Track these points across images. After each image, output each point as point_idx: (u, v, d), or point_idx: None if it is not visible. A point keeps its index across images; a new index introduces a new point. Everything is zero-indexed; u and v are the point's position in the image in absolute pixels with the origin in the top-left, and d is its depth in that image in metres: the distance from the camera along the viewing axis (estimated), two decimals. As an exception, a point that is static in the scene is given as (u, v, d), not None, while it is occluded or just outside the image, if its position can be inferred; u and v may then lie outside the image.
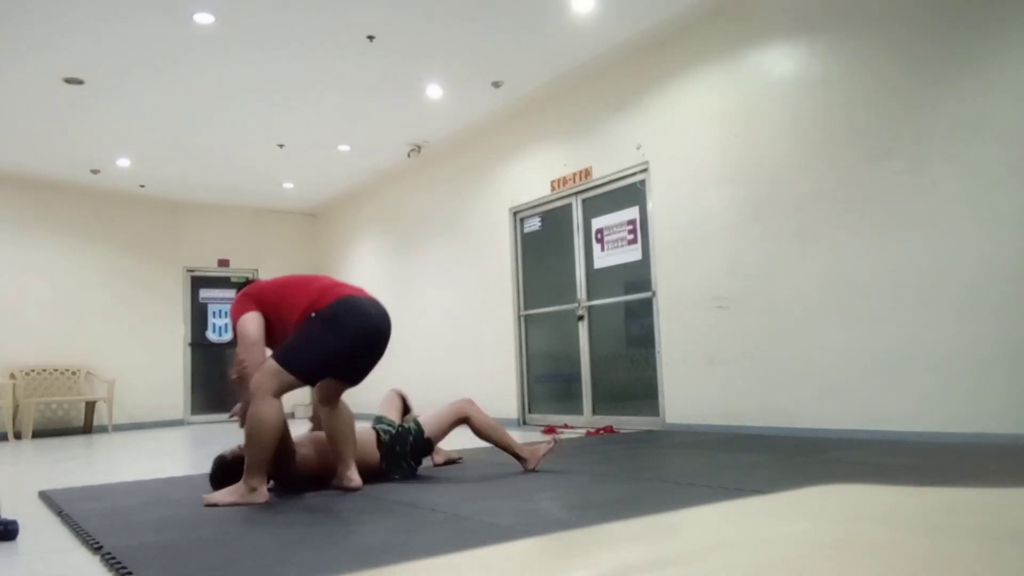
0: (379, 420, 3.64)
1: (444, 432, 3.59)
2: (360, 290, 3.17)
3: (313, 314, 2.97)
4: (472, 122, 7.30)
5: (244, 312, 3.01)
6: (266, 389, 2.85)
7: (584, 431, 5.75)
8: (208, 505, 2.81)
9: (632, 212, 5.92)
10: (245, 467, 2.86)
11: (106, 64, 5.71)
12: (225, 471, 3.04)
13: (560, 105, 6.58)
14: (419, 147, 8.04)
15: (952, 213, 3.93)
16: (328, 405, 3.07)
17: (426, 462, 3.72)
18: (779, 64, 4.86)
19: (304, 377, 2.96)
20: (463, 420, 3.54)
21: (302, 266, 10.72)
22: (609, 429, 5.75)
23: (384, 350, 3.13)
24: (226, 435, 7.21)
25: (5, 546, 2.33)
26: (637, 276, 5.84)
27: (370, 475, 3.24)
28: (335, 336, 2.95)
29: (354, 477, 2.99)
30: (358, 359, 3.06)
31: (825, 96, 4.57)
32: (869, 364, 4.24)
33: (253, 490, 2.84)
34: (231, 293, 10.23)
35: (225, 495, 2.84)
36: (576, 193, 6.40)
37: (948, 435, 3.83)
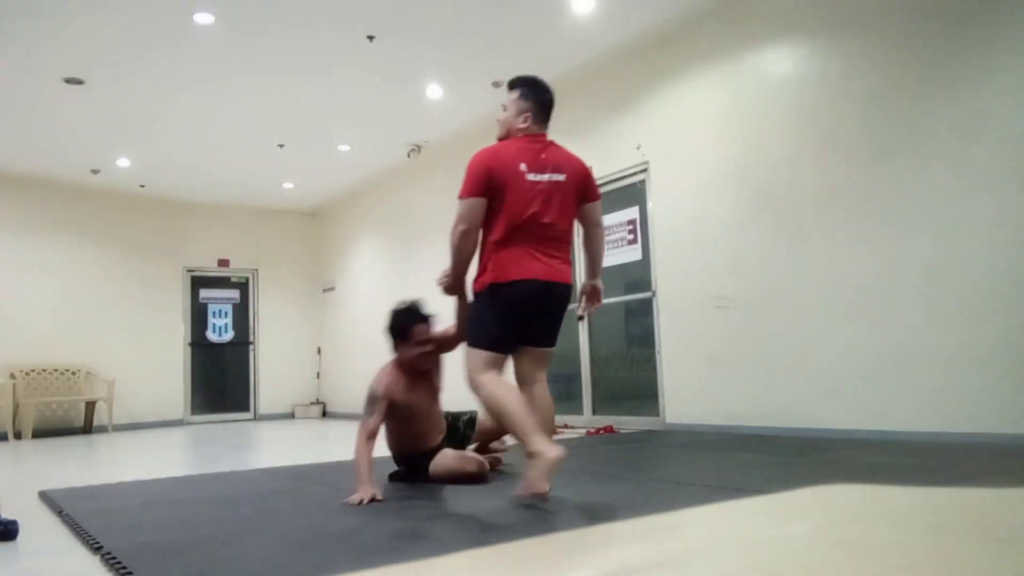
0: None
1: (493, 427, 3.52)
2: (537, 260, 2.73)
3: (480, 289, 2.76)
4: (472, 122, 7.30)
5: (474, 189, 2.82)
6: (472, 374, 2.72)
7: (584, 431, 5.74)
8: (522, 496, 2.52)
9: (632, 212, 5.92)
10: (515, 436, 2.62)
11: (106, 64, 5.71)
12: (404, 315, 3.14)
13: (560, 105, 6.53)
14: (419, 147, 8.04)
15: (952, 213, 3.93)
16: (521, 383, 2.81)
17: None
18: (779, 64, 4.86)
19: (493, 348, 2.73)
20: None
21: (302, 266, 10.73)
22: (609, 429, 5.75)
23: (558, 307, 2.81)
24: (226, 435, 7.21)
25: (5, 546, 2.33)
26: (637, 276, 5.84)
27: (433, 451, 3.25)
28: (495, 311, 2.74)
29: (548, 447, 2.56)
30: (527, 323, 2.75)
31: (825, 96, 4.57)
32: (869, 364, 4.24)
33: (535, 454, 2.48)
34: (231, 293, 10.25)
35: (528, 483, 2.50)
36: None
37: (948, 435, 3.83)
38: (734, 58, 5.12)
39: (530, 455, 2.51)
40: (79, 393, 8.64)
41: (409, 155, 8.20)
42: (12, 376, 8.17)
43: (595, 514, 2.43)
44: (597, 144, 6.13)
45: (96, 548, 2.18)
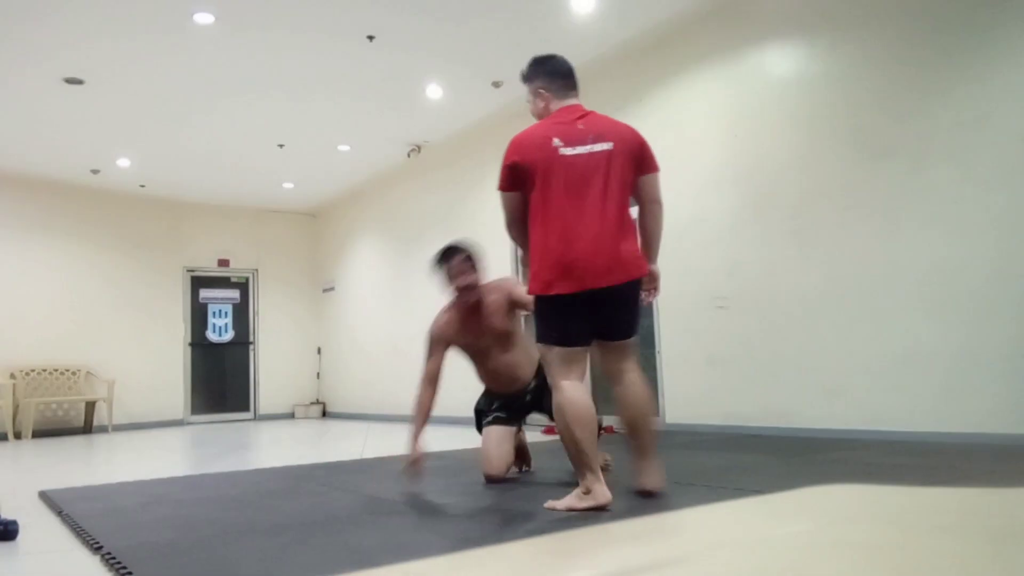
0: None
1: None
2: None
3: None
4: (472, 122, 7.30)
5: (504, 184, 2.58)
6: (553, 376, 2.51)
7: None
8: (551, 509, 2.44)
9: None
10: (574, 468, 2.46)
11: (106, 64, 5.71)
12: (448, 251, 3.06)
13: (560, 105, 6.56)
14: (419, 147, 8.04)
15: (952, 213, 3.93)
16: (609, 378, 2.64)
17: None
18: (779, 64, 4.86)
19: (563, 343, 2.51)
20: None
21: (302, 266, 10.73)
22: (609, 429, 5.74)
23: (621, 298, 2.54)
24: (226, 435, 7.21)
25: (5, 546, 2.33)
26: (637, 276, 5.83)
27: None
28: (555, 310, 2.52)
29: (600, 491, 2.39)
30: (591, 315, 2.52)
31: (825, 96, 4.57)
32: (869, 364, 4.24)
33: (588, 492, 2.38)
34: (231, 293, 10.25)
35: (564, 501, 2.44)
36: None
37: (948, 435, 3.83)
38: (734, 58, 5.12)
39: (581, 485, 2.41)
40: (79, 393, 8.64)
41: (409, 155, 8.21)
42: (12, 376, 8.17)
43: (595, 514, 2.43)
44: (597, 144, 6.12)
45: (96, 548, 2.18)
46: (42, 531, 2.56)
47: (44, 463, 5.37)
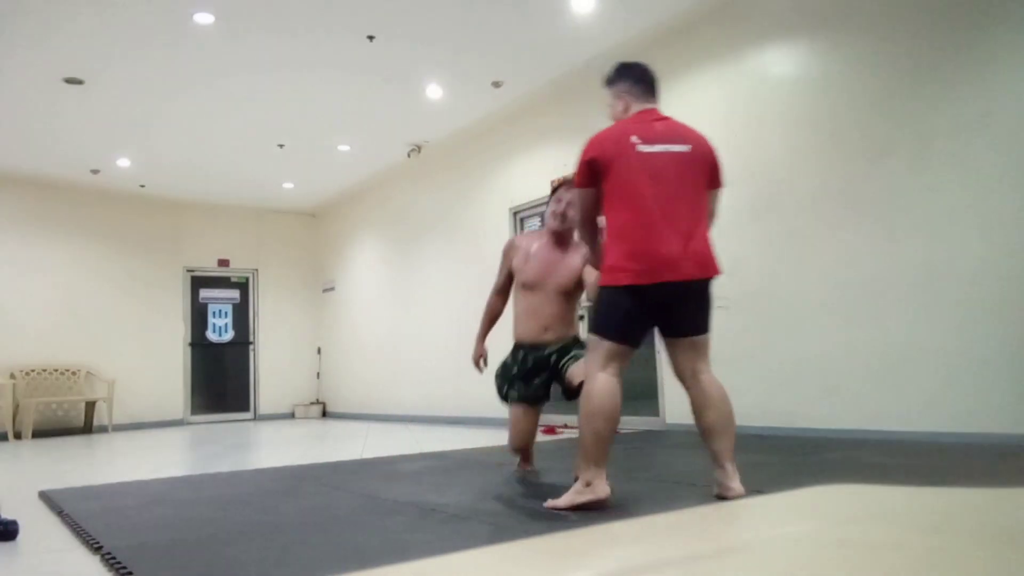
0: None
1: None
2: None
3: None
4: (472, 122, 7.30)
5: (580, 179, 2.62)
6: (592, 366, 2.49)
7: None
8: (551, 508, 2.43)
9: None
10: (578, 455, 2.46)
11: (106, 64, 5.71)
12: None
13: (560, 105, 6.58)
14: (419, 147, 8.05)
15: (952, 213, 3.93)
16: (683, 379, 2.58)
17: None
18: (779, 64, 4.86)
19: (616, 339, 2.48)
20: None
21: (302, 266, 10.73)
22: (609, 429, 5.75)
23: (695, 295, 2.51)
24: (226, 435, 7.21)
25: (5, 546, 2.33)
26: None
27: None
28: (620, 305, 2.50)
29: (601, 486, 2.42)
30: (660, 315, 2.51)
31: (825, 96, 4.57)
32: (869, 364, 4.24)
33: (588, 485, 2.40)
34: (231, 293, 10.25)
35: (564, 498, 2.44)
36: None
37: (948, 435, 3.83)
38: (734, 58, 5.12)
39: (579, 479, 2.41)
40: (79, 393, 8.64)
41: (409, 155, 8.21)
42: (12, 376, 8.17)
43: (595, 514, 2.43)
44: (597, 144, 6.12)
45: (96, 548, 2.18)
46: (42, 531, 2.56)
47: (44, 463, 5.37)
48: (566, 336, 3.33)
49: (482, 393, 7.31)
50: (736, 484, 2.44)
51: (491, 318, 3.48)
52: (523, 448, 3.33)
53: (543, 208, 6.81)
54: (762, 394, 4.80)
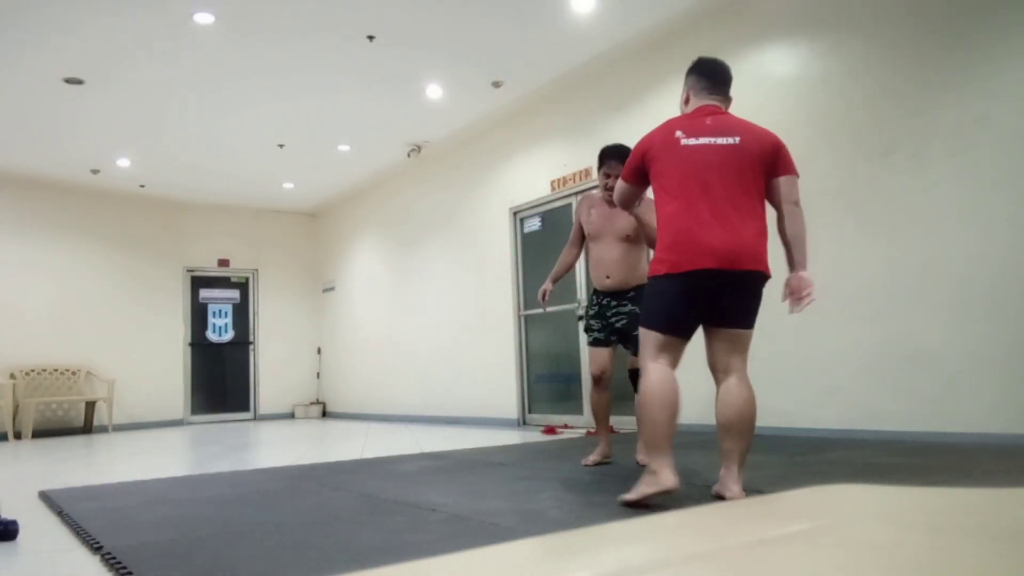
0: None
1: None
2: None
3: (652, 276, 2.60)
4: (472, 122, 7.30)
5: (626, 174, 2.80)
6: (645, 358, 2.56)
7: (584, 431, 5.74)
8: (626, 503, 2.46)
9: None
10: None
11: (106, 64, 5.71)
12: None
13: (560, 105, 6.58)
14: (419, 147, 8.05)
15: (951, 213, 3.93)
16: (714, 372, 2.63)
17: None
18: (779, 64, 4.86)
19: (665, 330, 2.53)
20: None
21: (302, 266, 10.73)
22: (609, 429, 5.75)
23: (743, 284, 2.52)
24: (226, 435, 7.21)
25: (5, 546, 2.33)
26: (637, 276, 5.83)
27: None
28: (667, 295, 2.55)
29: (666, 475, 2.42)
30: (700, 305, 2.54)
31: (825, 96, 4.57)
32: (869, 364, 4.24)
33: (654, 474, 2.41)
34: (231, 293, 10.25)
35: (636, 490, 2.47)
36: (576, 193, 6.39)
37: (948, 435, 3.83)
38: (734, 58, 5.09)
39: (649, 468, 2.43)
40: (79, 393, 8.64)
41: (409, 155, 8.21)
42: (12, 376, 8.17)
43: (595, 514, 2.43)
44: (597, 144, 6.12)
45: (96, 548, 2.18)
46: (42, 531, 2.56)
47: (44, 463, 5.37)
48: (628, 281, 3.62)
49: (481, 393, 7.32)
50: (737, 487, 2.45)
51: (563, 265, 3.90)
52: (599, 374, 3.66)
53: (543, 208, 6.82)
54: (762, 394, 4.76)
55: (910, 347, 4.06)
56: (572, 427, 6.12)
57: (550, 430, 6.02)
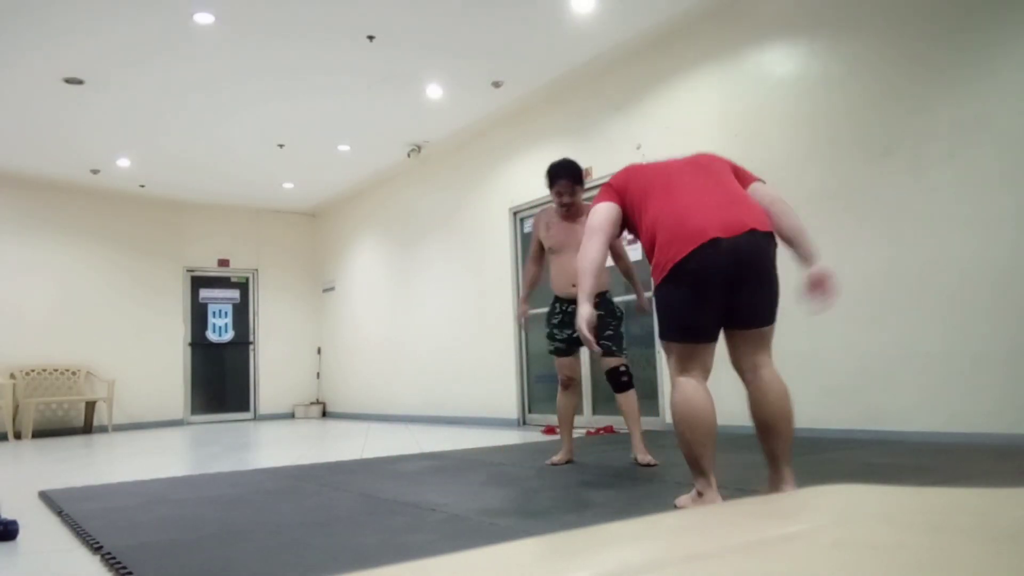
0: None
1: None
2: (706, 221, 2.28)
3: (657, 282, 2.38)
4: (472, 122, 7.30)
5: (602, 200, 2.57)
6: (672, 372, 2.37)
7: (584, 431, 5.74)
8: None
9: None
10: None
11: (106, 64, 5.71)
12: None
13: (560, 105, 6.58)
14: (419, 147, 8.05)
15: (951, 214, 3.93)
16: (741, 373, 2.43)
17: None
18: (779, 64, 4.86)
19: (683, 339, 2.34)
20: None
21: (302, 266, 10.73)
22: (609, 429, 5.75)
23: (758, 274, 2.32)
24: (226, 435, 7.21)
25: (5, 546, 2.33)
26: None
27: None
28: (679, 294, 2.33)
29: (711, 496, 2.34)
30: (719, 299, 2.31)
31: (825, 96, 4.57)
32: (868, 364, 4.24)
33: (700, 495, 2.31)
34: (231, 293, 10.25)
35: (682, 502, 2.44)
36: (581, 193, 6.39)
37: (948, 435, 3.83)
38: (734, 58, 5.12)
39: (696, 491, 2.32)
40: (79, 393, 8.65)
41: (409, 155, 8.21)
42: (12, 376, 8.17)
43: (595, 514, 2.43)
44: (597, 144, 6.13)
45: (96, 548, 2.18)
46: (42, 531, 2.56)
47: (44, 463, 5.37)
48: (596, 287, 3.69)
49: (481, 393, 7.32)
50: (788, 488, 2.29)
51: (530, 283, 4.02)
52: (569, 380, 3.80)
53: (543, 208, 6.83)
54: (762, 394, 4.79)
55: (910, 347, 4.06)
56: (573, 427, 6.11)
57: (550, 430, 6.02)
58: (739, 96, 5.08)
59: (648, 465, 3.54)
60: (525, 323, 4.08)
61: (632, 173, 2.58)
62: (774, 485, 2.36)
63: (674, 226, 2.28)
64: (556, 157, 6.57)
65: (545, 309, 4.00)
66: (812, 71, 4.67)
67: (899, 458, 3.39)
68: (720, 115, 5.20)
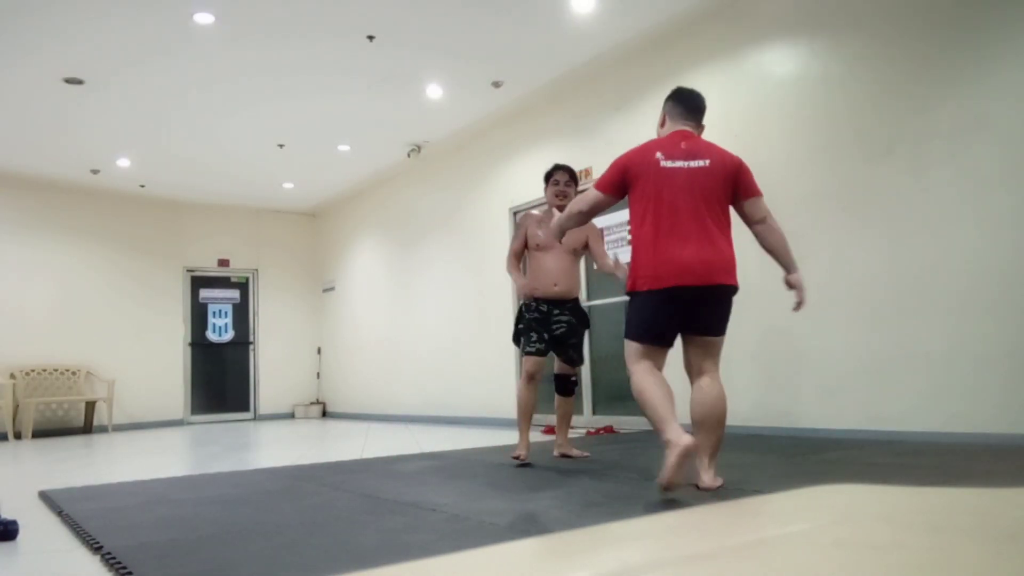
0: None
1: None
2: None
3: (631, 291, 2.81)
4: (472, 122, 7.30)
5: (604, 185, 2.87)
6: (629, 362, 2.79)
7: (584, 431, 5.74)
8: (664, 487, 2.51)
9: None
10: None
11: (106, 64, 5.71)
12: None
13: (560, 105, 6.58)
14: (419, 147, 8.05)
15: (951, 214, 3.93)
16: (689, 374, 2.81)
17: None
18: (779, 64, 4.86)
19: (641, 340, 2.77)
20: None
21: (302, 266, 10.74)
22: (609, 429, 5.76)
23: (716, 298, 2.75)
24: (226, 435, 7.21)
25: (5, 546, 2.33)
26: (637, 276, 5.83)
27: None
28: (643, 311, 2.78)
29: (676, 436, 2.53)
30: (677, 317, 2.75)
31: (825, 96, 4.57)
32: (869, 364, 4.24)
33: (668, 443, 2.53)
34: (231, 293, 10.25)
35: (664, 475, 2.57)
36: (577, 192, 6.39)
37: (948, 435, 3.83)
38: (734, 58, 5.12)
39: (665, 444, 2.54)
40: (79, 393, 8.65)
41: (409, 155, 8.21)
42: (12, 376, 8.17)
43: (595, 514, 2.43)
44: (597, 144, 6.13)
45: (96, 548, 2.18)
46: (42, 531, 2.56)
47: (44, 463, 5.37)
48: (571, 291, 3.91)
49: (481, 393, 7.32)
50: (707, 477, 2.65)
51: (517, 269, 4.04)
52: (534, 374, 3.83)
53: (543, 208, 6.80)
54: (762, 394, 4.80)
55: (910, 347, 4.06)
56: (572, 427, 6.11)
57: (550, 430, 6.02)
58: (739, 96, 5.08)
59: (580, 457, 3.94)
60: (530, 293, 3.91)
61: (643, 169, 2.80)
62: (698, 474, 2.68)
63: (652, 257, 2.72)
64: (556, 157, 6.59)
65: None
66: (812, 71, 4.67)
67: (899, 458, 3.39)
68: (720, 115, 5.19)
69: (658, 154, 2.81)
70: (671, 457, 2.44)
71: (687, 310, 2.71)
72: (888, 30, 4.27)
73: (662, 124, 3.05)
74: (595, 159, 6.16)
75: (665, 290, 2.67)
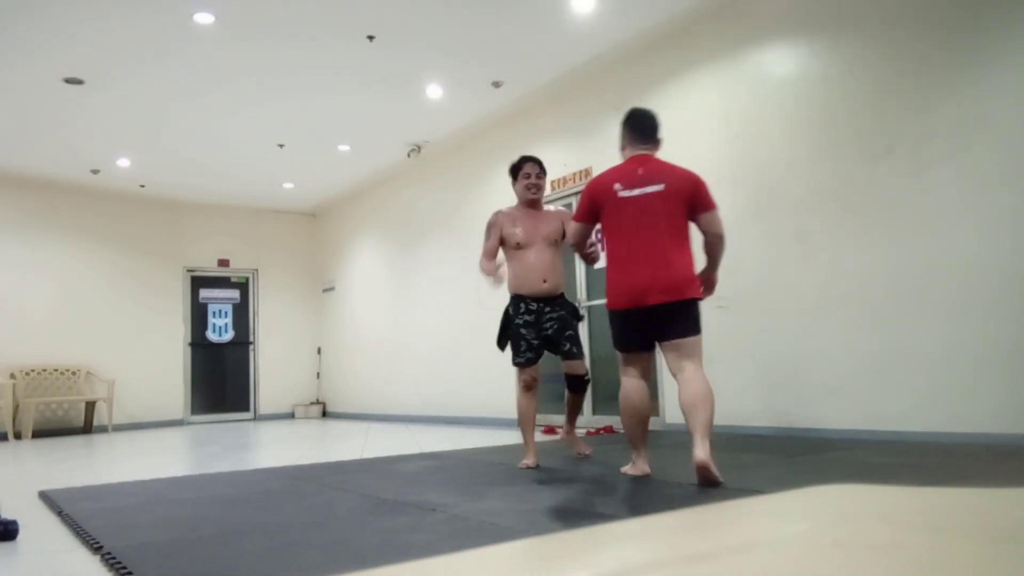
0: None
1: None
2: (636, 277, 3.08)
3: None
4: (472, 122, 7.30)
5: (579, 215, 3.26)
6: (621, 371, 3.18)
7: (584, 431, 5.74)
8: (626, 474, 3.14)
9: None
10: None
11: (106, 64, 5.71)
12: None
13: (560, 105, 6.58)
14: (419, 147, 8.05)
15: (951, 214, 3.93)
16: (673, 374, 3.09)
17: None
18: (779, 64, 4.86)
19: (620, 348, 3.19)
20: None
21: (302, 266, 10.74)
22: (609, 429, 5.76)
23: (669, 309, 3.05)
24: (226, 435, 7.21)
25: (5, 546, 2.33)
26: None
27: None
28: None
29: (640, 465, 3.15)
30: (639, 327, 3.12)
31: (825, 96, 4.57)
32: (869, 364, 4.24)
33: (633, 464, 3.16)
34: (231, 293, 10.25)
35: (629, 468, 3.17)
36: (576, 193, 6.39)
37: (948, 435, 3.83)
38: (734, 58, 5.12)
39: (632, 460, 3.15)
40: (79, 393, 8.65)
41: (409, 155, 8.21)
42: (12, 376, 8.17)
43: (595, 514, 2.43)
44: (597, 144, 6.13)
45: (96, 548, 2.18)
46: (42, 531, 2.56)
47: (44, 463, 5.37)
48: (560, 285, 3.83)
49: (481, 393, 7.32)
50: (699, 452, 2.78)
51: (493, 264, 3.91)
52: (532, 381, 3.79)
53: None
54: (762, 394, 4.80)
55: (910, 347, 4.06)
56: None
57: (550, 430, 6.02)
58: (739, 96, 5.08)
59: (582, 455, 3.96)
60: (500, 276, 3.83)
61: (604, 200, 3.12)
62: (693, 450, 2.82)
63: (614, 280, 3.11)
64: (556, 157, 6.61)
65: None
66: (812, 71, 4.67)
67: (899, 458, 3.39)
68: (720, 115, 5.20)
69: (616, 185, 3.08)
70: (631, 472, 3.12)
71: (651, 324, 3.04)
72: (888, 30, 4.27)
73: (622, 149, 3.25)
74: (595, 159, 6.16)
75: (625, 311, 3.07)
